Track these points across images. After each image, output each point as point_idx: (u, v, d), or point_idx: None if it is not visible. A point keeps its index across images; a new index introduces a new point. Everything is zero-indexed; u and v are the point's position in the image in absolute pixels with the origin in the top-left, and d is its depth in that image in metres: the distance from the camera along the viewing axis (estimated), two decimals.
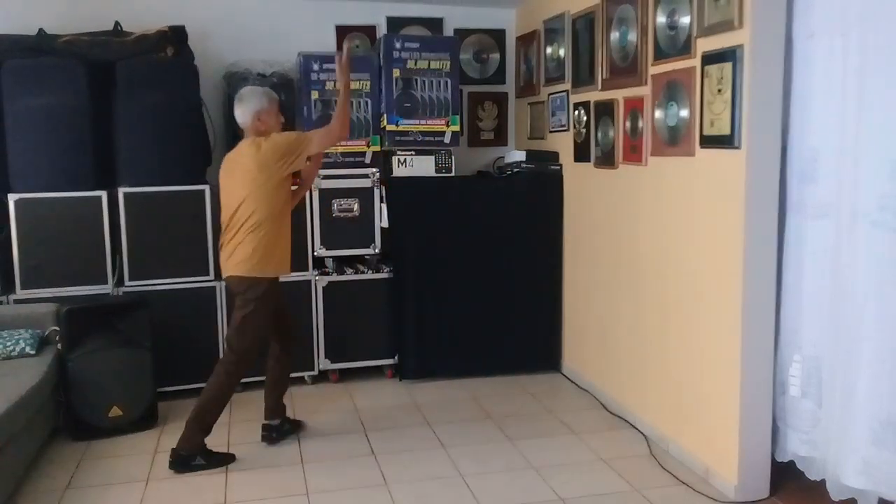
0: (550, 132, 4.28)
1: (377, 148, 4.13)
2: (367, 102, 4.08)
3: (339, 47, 4.43)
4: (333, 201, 4.00)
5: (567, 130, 4.03)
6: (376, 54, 4.14)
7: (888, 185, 2.41)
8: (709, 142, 2.83)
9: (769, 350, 2.77)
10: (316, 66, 4.00)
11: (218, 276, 3.85)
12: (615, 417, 3.57)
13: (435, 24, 4.59)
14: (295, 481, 2.96)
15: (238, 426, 3.51)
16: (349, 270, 4.11)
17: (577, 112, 3.90)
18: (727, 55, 2.68)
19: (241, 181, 2.96)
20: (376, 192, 4.07)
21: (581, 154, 3.88)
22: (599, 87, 3.65)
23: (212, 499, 2.82)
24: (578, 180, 3.98)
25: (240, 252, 2.97)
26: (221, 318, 3.84)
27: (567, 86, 4.01)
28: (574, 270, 4.10)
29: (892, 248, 2.41)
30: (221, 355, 3.27)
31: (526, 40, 4.56)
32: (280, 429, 3.33)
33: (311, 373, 4.05)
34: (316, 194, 3.97)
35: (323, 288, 3.99)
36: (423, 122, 4.09)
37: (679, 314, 3.09)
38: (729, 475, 2.80)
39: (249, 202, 2.94)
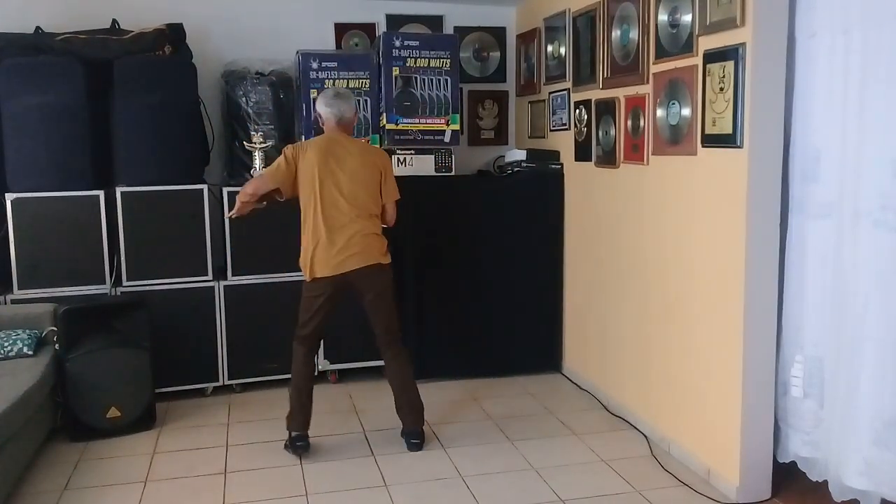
0: (551, 131, 4.26)
1: (377, 147, 4.11)
2: (366, 101, 4.06)
3: (339, 45, 4.42)
4: None
5: (568, 129, 4.02)
6: (375, 52, 4.12)
7: (890, 185, 2.40)
8: (711, 141, 2.82)
9: (771, 350, 2.76)
10: (315, 65, 3.98)
11: (217, 275, 3.84)
12: (616, 418, 3.55)
13: (435, 21, 4.57)
14: (294, 482, 2.94)
15: (236, 426, 3.50)
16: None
17: (577, 111, 3.88)
18: (729, 53, 2.67)
19: (371, 175, 3.10)
20: None
21: (582, 153, 3.86)
22: (600, 86, 3.63)
23: (210, 500, 2.81)
24: (579, 179, 3.96)
25: (380, 243, 3.12)
26: (220, 318, 3.82)
27: (568, 84, 3.99)
28: (575, 270, 4.08)
29: (894, 248, 2.40)
30: (393, 344, 3.25)
31: (526, 38, 4.54)
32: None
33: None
34: None
35: None
36: (422, 120, 4.07)
37: (680, 314, 3.08)
38: (730, 476, 2.79)
39: (376, 197, 3.12)
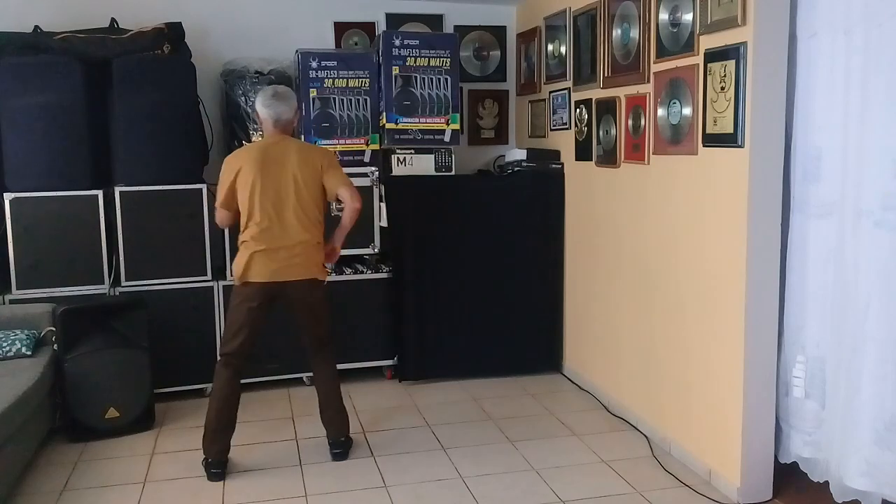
0: (551, 130, 4.25)
1: (376, 146, 4.10)
2: (365, 100, 4.05)
3: (338, 44, 4.41)
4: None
5: (568, 129, 4.01)
6: (375, 51, 4.11)
7: (891, 185, 2.39)
8: (712, 140, 2.81)
9: (772, 350, 2.75)
10: (314, 64, 3.97)
11: (216, 275, 3.83)
12: (616, 419, 3.54)
13: (435, 20, 4.56)
14: (293, 483, 2.94)
15: (236, 427, 3.49)
16: (348, 270, 4.07)
17: (578, 110, 3.87)
18: (730, 53, 2.66)
19: (310, 175, 2.95)
20: (375, 191, 4.04)
21: (582, 153, 3.85)
22: (601, 85, 3.62)
23: (210, 500, 2.81)
24: (580, 179, 3.95)
25: (319, 256, 3.01)
26: (219, 318, 3.81)
27: (568, 83, 3.98)
28: (575, 270, 4.07)
29: (895, 248, 2.39)
30: (322, 351, 3.15)
31: (527, 37, 4.53)
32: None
33: (310, 374, 4.00)
34: None
35: None
36: (422, 120, 4.06)
37: (681, 314, 3.07)
38: (732, 477, 2.78)
39: (318, 198, 2.99)
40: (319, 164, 2.98)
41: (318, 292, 3.05)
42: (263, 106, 2.98)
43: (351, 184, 3.04)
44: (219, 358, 3.05)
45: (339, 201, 3.12)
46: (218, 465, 2.99)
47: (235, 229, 3.62)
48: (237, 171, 2.93)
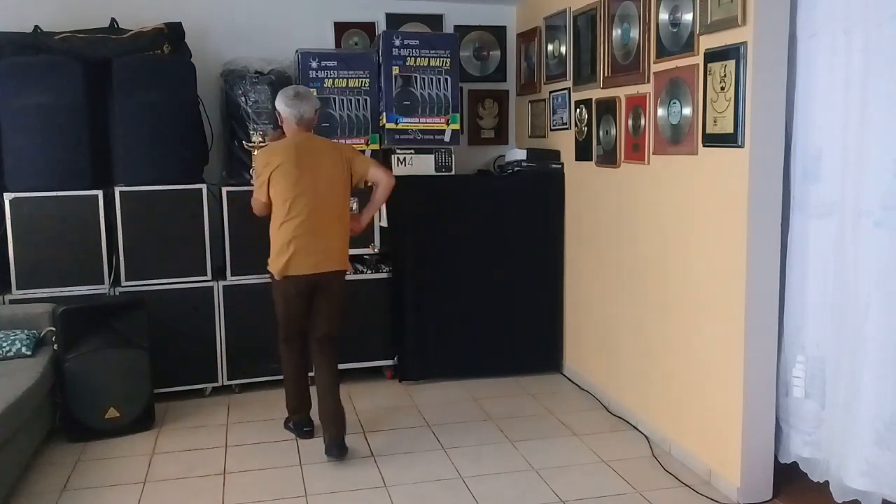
0: (551, 130, 4.25)
1: (376, 146, 4.10)
2: (365, 100, 4.05)
3: (338, 44, 4.41)
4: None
5: (568, 129, 4.01)
6: (375, 51, 4.11)
7: (891, 185, 2.39)
8: (712, 140, 2.81)
9: (772, 350, 2.75)
10: (314, 64, 3.97)
11: (216, 275, 3.83)
12: (616, 419, 3.55)
13: (435, 20, 4.56)
14: (293, 483, 2.94)
15: (235, 427, 3.49)
16: (348, 270, 4.07)
17: (578, 110, 3.87)
18: (730, 53, 2.66)
19: (341, 172, 3.13)
20: None
21: (582, 153, 3.86)
22: (601, 85, 3.62)
23: (210, 501, 2.80)
24: (580, 179, 3.95)
25: (346, 248, 3.20)
26: (219, 318, 3.81)
27: (568, 83, 3.98)
28: (575, 270, 4.07)
29: (895, 248, 2.39)
30: (328, 342, 3.25)
31: (527, 37, 4.53)
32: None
33: (310, 374, 4.01)
34: None
35: None
36: (422, 120, 4.06)
37: (681, 314, 3.07)
38: (731, 477, 2.78)
39: (348, 193, 3.18)
40: (346, 157, 3.17)
41: (342, 281, 3.25)
42: (286, 105, 3.12)
43: (379, 164, 3.27)
44: (280, 343, 3.29)
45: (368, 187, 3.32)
46: (307, 423, 3.30)
47: (243, 228, 3.66)
48: (275, 166, 3.05)
